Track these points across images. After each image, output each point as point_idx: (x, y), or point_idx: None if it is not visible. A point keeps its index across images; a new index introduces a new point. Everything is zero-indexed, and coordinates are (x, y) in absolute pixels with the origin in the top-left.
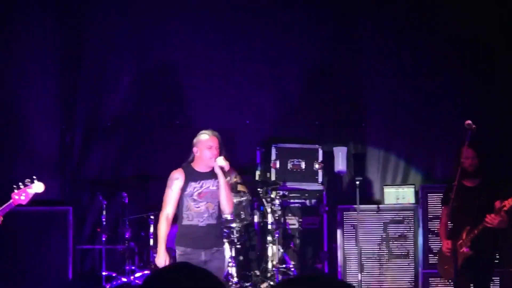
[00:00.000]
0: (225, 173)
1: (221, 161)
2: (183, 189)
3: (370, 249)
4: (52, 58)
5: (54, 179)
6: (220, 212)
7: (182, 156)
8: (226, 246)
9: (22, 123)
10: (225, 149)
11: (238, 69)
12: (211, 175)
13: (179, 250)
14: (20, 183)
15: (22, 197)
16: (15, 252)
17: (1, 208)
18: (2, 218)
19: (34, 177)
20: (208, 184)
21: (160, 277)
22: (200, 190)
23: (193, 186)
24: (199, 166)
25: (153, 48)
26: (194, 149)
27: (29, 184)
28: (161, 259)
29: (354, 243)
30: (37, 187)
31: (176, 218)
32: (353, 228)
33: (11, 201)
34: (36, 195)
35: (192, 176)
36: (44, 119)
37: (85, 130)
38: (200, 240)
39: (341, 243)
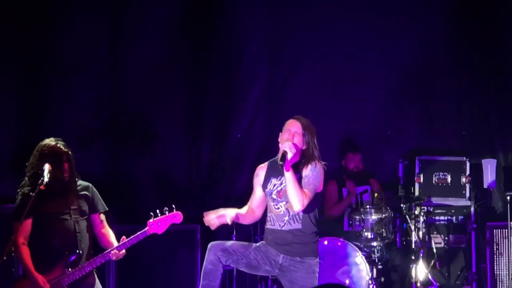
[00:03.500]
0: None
1: (286, 146)
2: (264, 186)
3: None
4: (181, 67)
5: (181, 195)
6: (312, 215)
7: None
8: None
9: (151, 138)
10: (314, 142)
11: (377, 76)
12: (294, 167)
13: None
14: (157, 210)
15: (159, 226)
16: (142, 271)
17: (135, 235)
18: (125, 252)
19: (173, 206)
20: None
21: None
22: (280, 188)
23: (274, 182)
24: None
25: (286, 53)
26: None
27: (166, 213)
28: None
29: (505, 263)
30: (175, 217)
31: None
32: (504, 247)
33: (146, 229)
34: (173, 225)
35: (274, 170)
36: (173, 133)
37: (213, 142)
38: (281, 244)
39: (490, 263)
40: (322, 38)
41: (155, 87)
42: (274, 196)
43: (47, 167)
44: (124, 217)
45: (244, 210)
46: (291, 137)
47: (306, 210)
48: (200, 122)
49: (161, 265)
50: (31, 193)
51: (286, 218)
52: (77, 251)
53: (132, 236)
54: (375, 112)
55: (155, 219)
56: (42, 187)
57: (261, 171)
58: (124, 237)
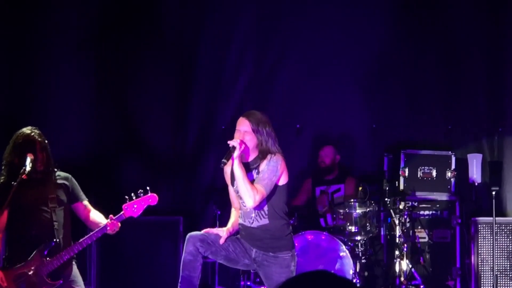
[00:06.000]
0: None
1: (233, 141)
2: (232, 182)
3: (506, 266)
4: (167, 58)
5: (165, 186)
6: (279, 209)
7: (303, 160)
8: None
9: (135, 128)
10: (266, 134)
11: (363, 67)
12: (251, 165)
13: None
14: (132, 194)
15: (134, 209)
16: (123, 262)
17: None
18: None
19: (148, 187)
20: (250, 177)
21: (297, 285)
22: None
23: None
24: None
25: (272, 47)
26: None
27: (141, 195)
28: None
29: (489, 259)
30: (150, 199)
31: None
32: (489, 243)
33: (122, 212)
34: (149, 207)
35: None
36: (157, 124)
37: (197, 134)
38: (253, 240)
39: (475, 259)
40: (308, 29)
41: (140, 76)
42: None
43: (28, 157)
44: (105, 206)
45: (232, 218)
46: (241, 137)
47: (270, 205)
48: (185, 113)
49: (143, 256)
50: (12, 183)
51: (253, 215)
52: (54, 240)
53: (107, 221)
54: (360, 105)
55: (130, 202)
56: (24, 176)
57: (228, 168)
58: (112, 215)
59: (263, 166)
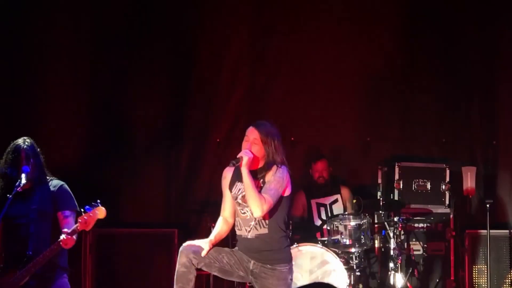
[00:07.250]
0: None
1: (243, 152)
2: (230, 189)
3: (501, 278)
4: (163, 72)
5: (160, 199)
6: (280, 220)
7: (297, 173)
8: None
9: (130, 140)
10: (275, 147)
11: (357, 81)
12: (257, 173)
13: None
14: (87, 206)
15: (86, 223)
16: (118, 274)
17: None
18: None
19: (98, 200)
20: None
21: None
22: (244, 192)
23: (238, 187)
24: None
25: (267, 62)
26: None
27: (91, 208)
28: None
29: (484, 271)
30: (99, 212)
31: None
32: (483, 255)
33: (76, 226)
34: (99, 220)
35: (240, 174)
36: (152, 136)
37: (192, 147)
38: (252, 252)
39: (469, 271)
40: (302, 43)
41: (135, 89)
42: (240, 201)
43: (24, 171)
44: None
45: (217, 229)
46: (249, 146)
47: (272, 215)
48: (180, 126)
49: (138, 269)
50: (8, 195)
51: (252, 223)
52: (27, 252)
53: (62, 237)
54: (356, 118)
55: (83, 215)
56: (19, 189)
57: (228, 173)
58: (65, 230)
59: (269, 176)
